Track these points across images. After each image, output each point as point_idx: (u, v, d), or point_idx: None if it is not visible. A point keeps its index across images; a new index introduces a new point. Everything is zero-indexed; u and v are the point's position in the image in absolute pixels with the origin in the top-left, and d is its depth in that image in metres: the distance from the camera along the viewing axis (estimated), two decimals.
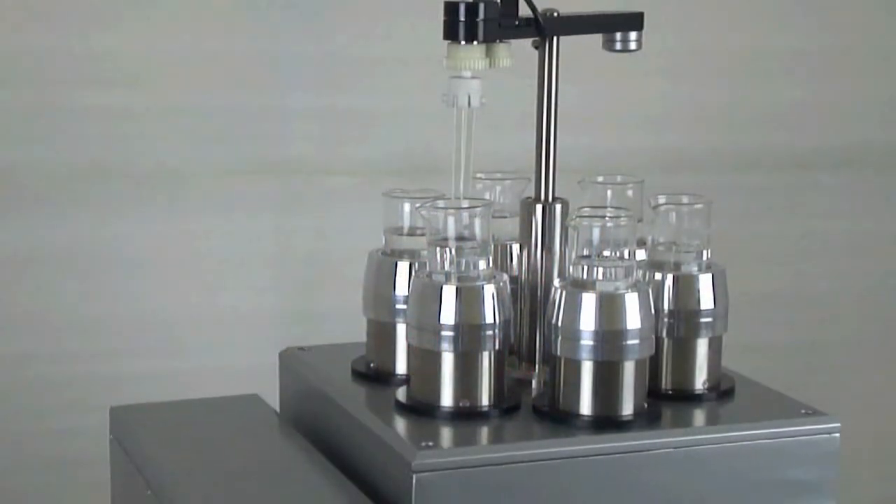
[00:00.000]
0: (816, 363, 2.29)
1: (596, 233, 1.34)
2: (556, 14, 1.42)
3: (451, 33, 1.38)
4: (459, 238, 1.35)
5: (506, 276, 1.37)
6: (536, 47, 1.43)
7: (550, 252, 1.44)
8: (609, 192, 1.50)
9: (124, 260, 1.96)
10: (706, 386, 1.43)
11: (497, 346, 1.35)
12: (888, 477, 2.37)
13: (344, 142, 2.07)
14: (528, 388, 1.45)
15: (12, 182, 1.92)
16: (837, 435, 1.37)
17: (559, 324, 1.33)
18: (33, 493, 1.93)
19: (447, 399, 1.35)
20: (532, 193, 1.46)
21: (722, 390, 1.43)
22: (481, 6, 1.37)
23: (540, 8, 1.41)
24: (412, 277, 1.39)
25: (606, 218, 1.35)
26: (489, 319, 1.34)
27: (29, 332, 1.92)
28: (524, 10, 1.40)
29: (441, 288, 1.34)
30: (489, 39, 1.38)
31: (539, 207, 1.44)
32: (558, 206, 1.44)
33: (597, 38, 1.45)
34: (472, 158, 1.40)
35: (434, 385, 1.35)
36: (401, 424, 1.34)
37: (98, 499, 1.61)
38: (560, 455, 1.29)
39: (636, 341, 1.32)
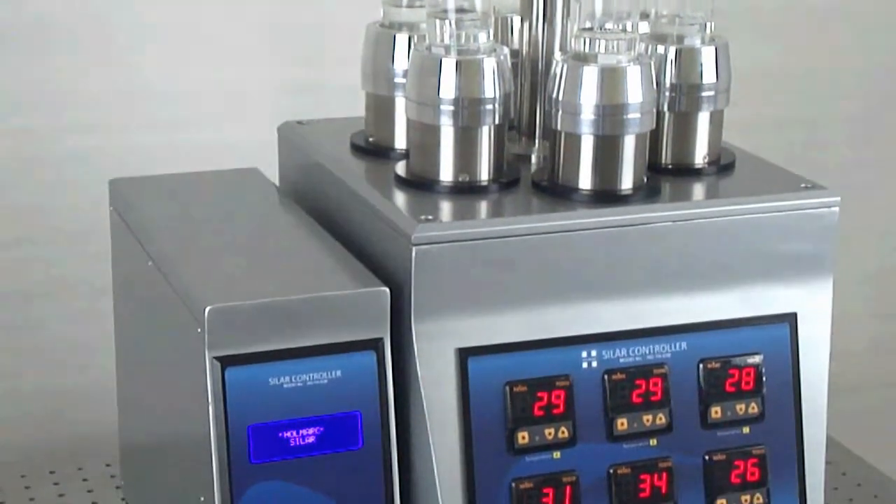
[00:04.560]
0: (817, 139, 2.29)
1: (598, 5, 1.32)
2: None
3: None
4: (459, 10, 1.33)
5: (506, 50, 1.36)
6: None
7: (552, 25, 1.42)
8: None
9: (121, 33, 1.94)
10: (706, 160, 1.43)
11: (497, 121, 1.34)
12: (884, 251, 2.39)
13: None
14: (527, 163, 1.45)
15: None
16: (837, 209, 1.37)
17: (560, 98, 1.32)
18: (34, 263, 1.94)
19: (446, 173, 1.35)
20: None
21: (722, 165, 1.43)
22: None
23: None
24: (411, 50, 1.37)
25: None
26: (489, 93, 1.33)
27: (24, 107, 1.91)
28: None
29: (440, 61, 1.32)
30: None
31: None
32: None
33: None
34: None
35: (433, 159, 1.35)
36: (400, 198, 1.34)
37: (99, 269, 1.62)
38: (559, 228, 1.29)
39: (637, 115, 1.32)
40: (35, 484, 1.67)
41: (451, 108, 1.33)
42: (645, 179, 1.36)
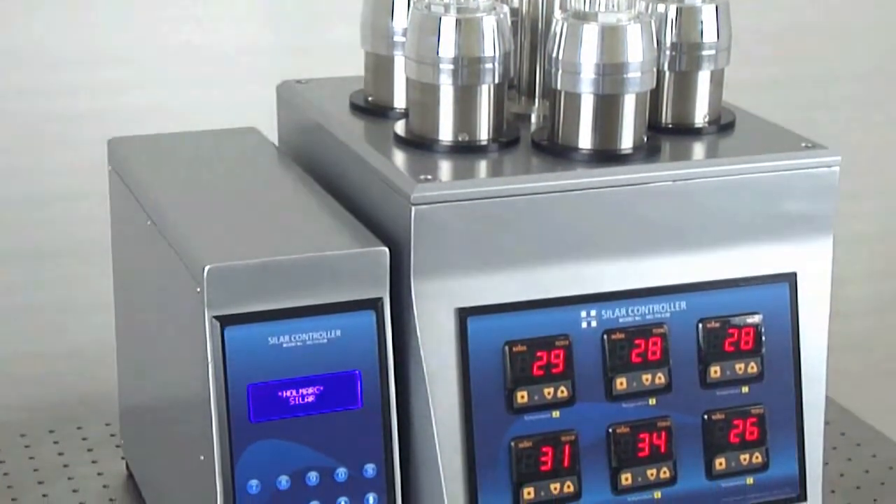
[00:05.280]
0: (818, 98, 2.28)
1: None
2: None
3: None
4: None
5: (506, 8, 1.35)
6: None
7: None
8: None
9: None
10: (706, 120, 1.43)
11: (496, 80, 1.34)
12: (886, 211, 2.38)
13: None
14: (527, 122, 1.44)
15: None
16: (837, 168, 1.37)
17: (560, 57, 1.32)
18: (32, 223, 1.94)
19: (446, 133, 1.35)
20: None
21: (722, 124, 1.43)
22: None
23: None
24: (410, 9, 1.36)
25: None
26: (489, 52, 1.32)
27: (26, 65, 1.91)
28: None
29: (440, 19, 1.32)
30: None
31: None
32: None
33: None
34: None
35: (433, 119, 1.35)
36: (399, 158, 1.34)
37: (99, 229, 1.62)
38: (559, 188, 1.29)
39: (637, 74, 1.31)
40: (35, 443, 1.67)
41: (451, 66, 1.32)
42: (645, 139, 1.36)
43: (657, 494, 1.35)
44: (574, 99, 1.33)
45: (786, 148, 1.38)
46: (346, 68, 1.57)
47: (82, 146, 1.88)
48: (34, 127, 1.92)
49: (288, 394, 1.23)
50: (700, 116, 1.42)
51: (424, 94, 1.34)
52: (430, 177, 1.27)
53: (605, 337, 1.32)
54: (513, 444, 1.30)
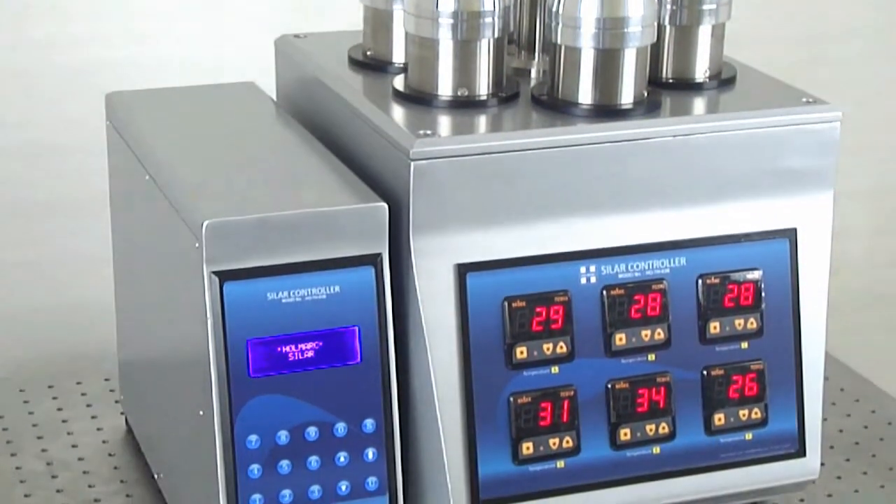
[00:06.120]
0: (820, 54, 2.27)
1: None
2: None
3: None
4: None
5: None
6: None
7: None
8: None
9: None
10: (707, 74, 1.42)
11: (496, 34, 1.33)
12: (885, 168, 2.38)
13: None
14: (527, 77, 1.44)
15: None
16: (838, 124, 1.36)
17: (560, 10, 1.31)
18: (31, 179, 1.94)
19: (445, 88, 1.34)
20: None
21: (723, 79, 1.42)
22: None
23: None
24: None
25: None
26: (488, 6, 1.32)
27: (23, 18, 1.90)
28: None
29: None
30: None
31: None
32: None
33: None
34: None
35: (432, 73, 1.34)
36: (398, 113, 1.33)
37: (97, 184, 1.62)
38: (558, 143, 1.29)
39: (638, 28, 1.30)
40: (34, 399, 1.68)
41: (450, 20, 1.31)
42: (645, 94, 1.35)
43: (656, 450, 1.35)
44: (574, 53, 1.32)
45: (787, 103, 1.37)
46: (344, 22, 1.56)
47: (80, 99, 1.88)
48: (31, 79, 1.92)
49: (287, 349, 1.23)
50: (701, 71, 1.42)
51: (423, 48, 1.34)
52: (429, 132, 1.27)
53: (605, 293, 1.32)
54: (512, 399, 1.30)
